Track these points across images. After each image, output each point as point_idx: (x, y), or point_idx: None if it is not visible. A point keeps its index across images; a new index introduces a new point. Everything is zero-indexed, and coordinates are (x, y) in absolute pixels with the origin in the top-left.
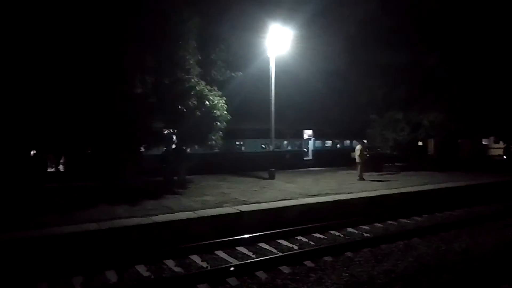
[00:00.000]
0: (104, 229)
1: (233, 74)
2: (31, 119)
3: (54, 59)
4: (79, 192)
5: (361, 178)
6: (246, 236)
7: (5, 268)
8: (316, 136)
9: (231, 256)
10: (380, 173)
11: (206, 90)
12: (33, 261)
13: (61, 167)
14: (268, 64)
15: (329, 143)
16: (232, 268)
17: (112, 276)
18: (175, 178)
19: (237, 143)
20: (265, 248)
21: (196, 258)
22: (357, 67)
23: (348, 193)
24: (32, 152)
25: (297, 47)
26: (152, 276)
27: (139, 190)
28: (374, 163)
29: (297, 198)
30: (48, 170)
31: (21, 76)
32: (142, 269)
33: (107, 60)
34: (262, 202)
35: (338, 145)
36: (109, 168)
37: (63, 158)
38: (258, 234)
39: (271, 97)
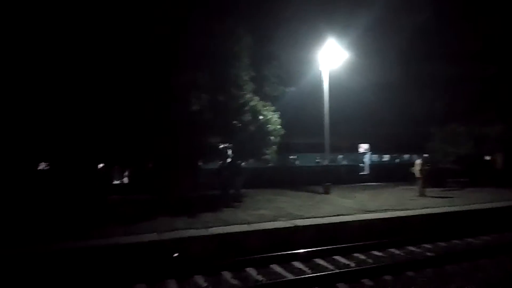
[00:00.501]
0: (164, 239)
1: (285, 89)
2: (101, 135)
3: (121, 83)
4: (141, 204)
5: (422, 194)
6: (301, 251)
7: (73, 275)
8: (372, 150)
9: (286, 270)
10: (443, 189)
11: (260, 105)
12: (99, 269)
13: (125, 180)
14: (320, 78)
15: (386, 157)
16: (287, 283)
17: (173, 285)
18: (231, 191)
19: (291, 157)
20: (321, 264)
21: (252, 271)
22: (413, 79)
23: (408, 209)
24: (99, 166)
25: (350, 60)
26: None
27: (197, 203)
28: (435, 178)
29: (353, 214)
30: (114, 182)
31: (92, 98)
32: (200, 280)
33: (166, 80)
34: (318, 217)
35: (397, 160)
36: (168, 182)
37: (127, 171)
38: (313, 249)
39: (324, 110)
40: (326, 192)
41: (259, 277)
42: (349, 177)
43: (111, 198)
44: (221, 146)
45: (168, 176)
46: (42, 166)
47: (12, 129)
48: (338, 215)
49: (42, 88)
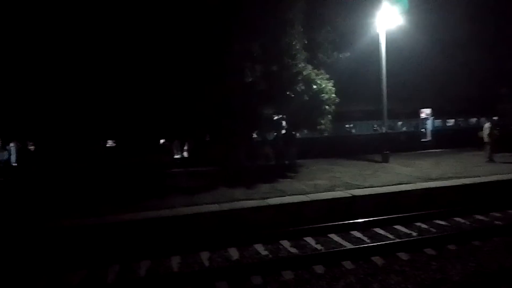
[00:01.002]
0: (225, 210)
1: (340, 56)
2: (161, 112)
3: (178, 59)
4: (200, 176)
5: (491, 160)
6: (360, 220)
7: (142, 243)
8: (435, 115)
9: (345, 239)
10: None
11: (313, 74)
12: (166, 238)
13: (185, 153)
14: (377, 41)
15: (451, 122)
16: (346, 252)
17: (234, 253)
18: (286, 162)
19: (347, 125)
20: (381, 234)
21: (310, 240)
22: (483, 36)
23: (475, 176)
24: (161, 141)
25: (410, 19)
26: (270, 255)
27: (253, 174)
28: (506, 142)
29: (414, 183)
30: (174, 156)
31: (151, 77)
32: (260, 248)
33: (220, 53)
34: (376, 187)
35: (462, 124)
36: (225, 154)
37: (186, 145)
38: (372, 219)
39: (382, 75)
40: (385, 160)
41: (318, 246)
42: (409, 144)
43: (172, 171)
44: (275, 117)
45: (225, 148)
46: (109, 143)
47: (83, 112)
48: (397, 184)
49: (108, 72)
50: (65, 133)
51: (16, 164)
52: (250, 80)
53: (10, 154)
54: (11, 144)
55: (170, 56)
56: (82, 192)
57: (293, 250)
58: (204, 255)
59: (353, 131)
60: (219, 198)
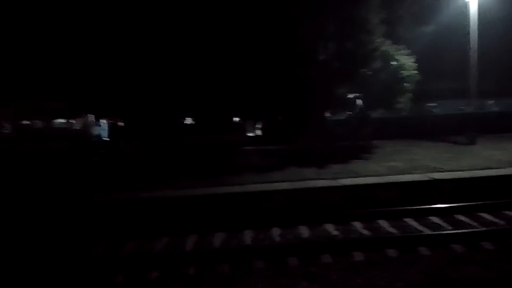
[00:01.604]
0: (296, 188)
1: (422, 29)
2: (235, 91)
3: (252, 38)
4: (272, 155)
5: None
6: (440, 205)
7: (213, 216)
8: None
9: (422, 225)
10: None
11: (392, 49)
12: (237, 213)
13: (258, 132)
14: (465, 12)
15: None
16: (423, 237)
17: (304, 231)
18: (360, 142)
19: (429, 105)
20: (463, 221)
21: (384, 223)
22: None
23: None
24: (235, 119)
25: None
26: (340, 236)
27: (325, 153)
28: None
29: (505, 167)
30: (248, 134)
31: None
32: (330, 228)
33: (293, 31)
34: (459, 170)
35: None
36: (297, 133)
37: (259, 124)
38: (454, 205)
39: (471, 51)
40: (471, 142)
41: (392, 230)
42: (501, 125)
43: (245, 149)
44: (350, 96)
45: (297, 127)
46: (188, 121)
47: (165, 90)
48: (484, 169)
49: (189, 57)
50: (149, 110)
51: (108, 139)
52: (323, 58)
53: (102, 130)
54: (103, 121)
55: (245, 37)
56: (162, 166)
57: (365, 232)
58: (275, 232)
59: (436, 110)
60: (290, 176)
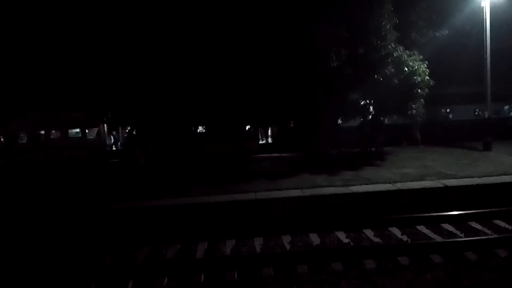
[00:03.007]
0: (306, 195)
1: (436, 34)
2: (246, 100)
3: (264, 47)
4: (283, 162)
5: None
6: (453, 213)
7: (225, 223)
8: None
9: (434, 232)
10: None
11: (405, 55)
12: (248, 220)
13: (269, 140)
14: (480, 15)
15: None
16: (436, 245)
17: (315, 238)
18: (373, 149)
19: (444, 110)
20: (477, 228)
21: (395, 230)
22: None
23: None
24: (247, 127)
25: None
26: (351, 243)
27: (337, 160)
28: None
29: None
30: (259, 142)
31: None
32: (341, 236)
33: (305, 38)
34: (475, 177)
35: None
36: (308, 140)
37: (270, 131)
38: (468, 212)
39: (486, 54)
40: (487, 148)
41: (403, 237)
42: None
43: (257, 156)
44: (362, 102)
45: (309, 134)
46: (200, 129)
47: (178, 100)
48: (500, 175)
49: (200, 68)
50: (162, 119)
51: (120, 148)
52: (335, 65)
53: (115, 139)
54: (117, 130)
55: (257, 45)
56: (175, 173)
57: (376, 239)
58: (286, 239)
59: (450, 116)
60: (301, 183)
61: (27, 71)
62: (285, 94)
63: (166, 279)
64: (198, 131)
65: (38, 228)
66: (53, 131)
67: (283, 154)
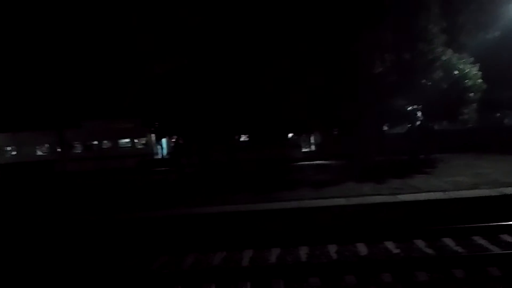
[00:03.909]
0: (352, 204)
1: (487, 36)
2: (291, 108)
3: (307, 56)
4: (328, 170)
5: None
6: None
7: (270, 231)
8: None
9: (492, 243)
10: None
11: (454, 59)
12: (293, 228)
13: (312, 147)
14: None
15: None
16: (493, 257)
17: (362, 248)
18: (422, 156)
19: (498, 115)
20: None
21: (449, 241)
22: None
23: None
24: (289, 135)
25: None
26: (402, 254)
27: (384, 168)
28: None
29: None
30: (302, 150)
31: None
32: (391, 246)
33: (347, 44)
34: None
35: None
36: (354, 147)
37: (313, 139)
38: None
39: None
40: None
41: (458, 249)
42: None
43: (300, 164)
44: (409, 108)
45: (354, 141)
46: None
47: (223, 109)
48: None
49: (243, 80)
50: (207, 128)
51: (168, 156)
52: (379, 70)
53: (162, 148)
54: (165, 140)
55: (298, 53)
56: (220, 181)
57: (429, 250)
58: (332, 248)
59: (506, 121)
60: (346, 192)
61: (81, 83)
62: (329, 101)
63: (214, 286)
64: (241, 139)
65: (93, 233)
66: (106, 141)
67: (327, 162)
